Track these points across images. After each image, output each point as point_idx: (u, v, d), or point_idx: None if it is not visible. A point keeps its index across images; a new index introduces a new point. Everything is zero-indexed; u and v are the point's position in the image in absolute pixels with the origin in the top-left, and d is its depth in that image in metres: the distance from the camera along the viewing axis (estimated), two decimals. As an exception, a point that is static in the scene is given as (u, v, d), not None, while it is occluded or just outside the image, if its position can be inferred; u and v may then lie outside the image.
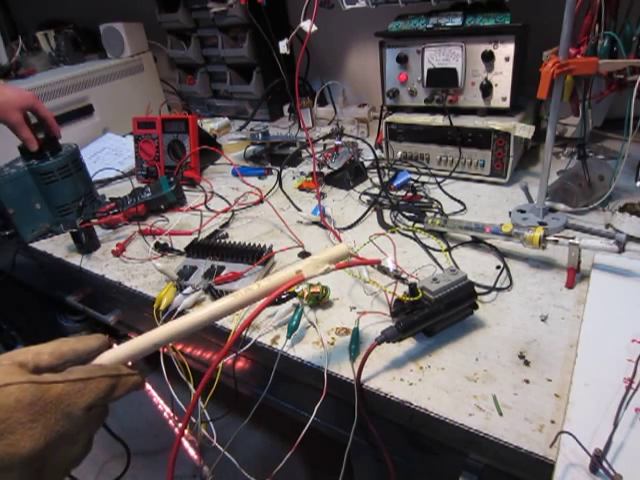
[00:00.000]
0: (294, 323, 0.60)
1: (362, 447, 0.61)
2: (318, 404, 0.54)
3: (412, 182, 0.96)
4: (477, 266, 0.70)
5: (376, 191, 0.95)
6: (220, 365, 0.60)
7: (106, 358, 0.40)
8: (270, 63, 1.36)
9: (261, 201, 0.98)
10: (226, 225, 0.91)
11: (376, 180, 0.99)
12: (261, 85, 1.45)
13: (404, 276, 0.68)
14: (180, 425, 0.45)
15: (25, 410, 0.32)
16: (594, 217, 0.78)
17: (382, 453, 0.56)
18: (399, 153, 1.03)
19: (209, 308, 0.46)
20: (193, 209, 0.99)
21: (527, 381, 0.50)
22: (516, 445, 0.44)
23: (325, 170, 1.04)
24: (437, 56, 0.93)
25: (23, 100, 0.89)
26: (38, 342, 0.38)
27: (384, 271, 0.70)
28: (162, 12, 1.48)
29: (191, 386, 0.68)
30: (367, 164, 1.05)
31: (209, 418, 0.69)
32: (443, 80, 0.94)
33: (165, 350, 0.70)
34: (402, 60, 0.97)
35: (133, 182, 1.10)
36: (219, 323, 0.65)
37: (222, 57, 1.47)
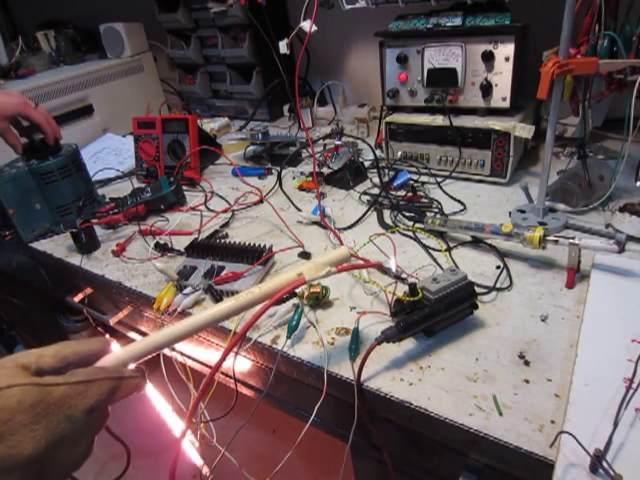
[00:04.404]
0: (294, 323, 0.60)
1: (362, 447, 0.61)
2: (318, 404, 0.54)
3: (412, 182, 0.96)
4: (477, 266, 0.70)
5: (376, 191, 0.95)
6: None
7: (108, 361, 0.40)
8: (270, 63, 1.36)
9: (261, 201, 0.98)
10: (226, 225, 0.91)
11: (376, 180, 0.99)
12: (261, 85, 1.45)
13: (404, 276, 0.68)
14: (179, 425, 0.45)
15: (27, 412, 0.32)
16: (594, 217, 0.78)
17: (382, 453, 0.56)
18: (399, 153, 1.03)
19: (210, 311, 0.46)
20: (193, 209, 0.99)
21: (527, 381, 0.50)
22: (516, 445, 0.44)
23: (325, 170, 1.04)
24: (437, 56, 0.93)
25: (8, 109, 0.89)
26: (38, 342, 0.38)
27: (384, 271, 0.70)
28: (162, 12, 1.48)
29: (191, 386, 0.68)
30: (367, 164, 1.05)
31: (209, 418, 0.69)
32: (443, 80, 0.94)
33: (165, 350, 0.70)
34: (402, 60, 0.97)
35: (133, 182, 1.10)
36: (219, 323, 0.65)
37: (222, 57, 1.47)
